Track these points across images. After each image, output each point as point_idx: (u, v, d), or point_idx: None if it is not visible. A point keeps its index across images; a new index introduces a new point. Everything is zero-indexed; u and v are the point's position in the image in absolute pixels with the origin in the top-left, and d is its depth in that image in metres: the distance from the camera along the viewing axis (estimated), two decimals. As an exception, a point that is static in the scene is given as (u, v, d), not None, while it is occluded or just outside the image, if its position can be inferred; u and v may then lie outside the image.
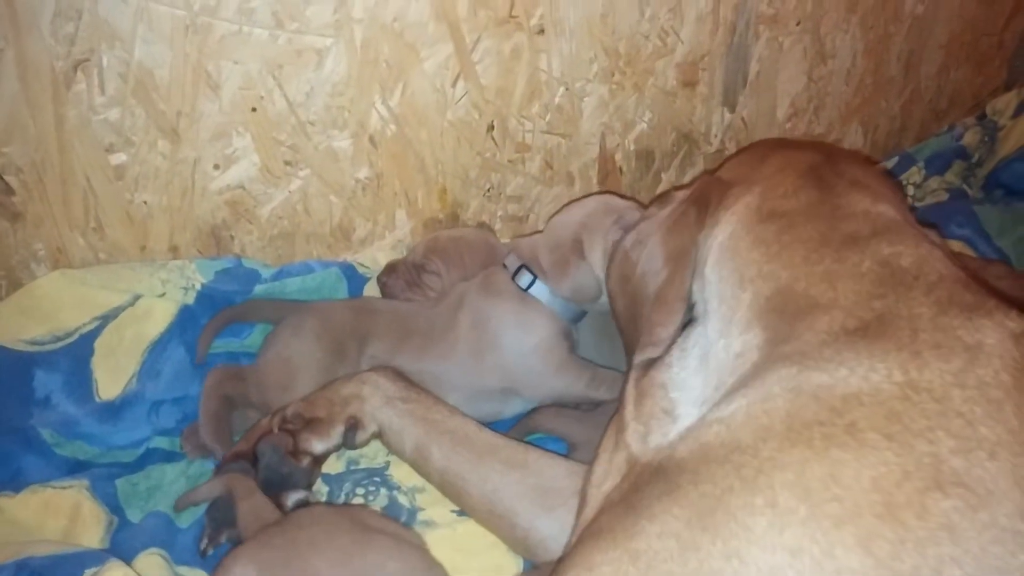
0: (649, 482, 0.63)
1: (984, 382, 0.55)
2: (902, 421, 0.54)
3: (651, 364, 0.77)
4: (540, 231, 1.19)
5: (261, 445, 0.94)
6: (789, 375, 0.60)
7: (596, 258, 1.09)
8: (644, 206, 1.07)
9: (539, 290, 1.12)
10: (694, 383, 0.71)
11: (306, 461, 0.95)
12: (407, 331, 1.12)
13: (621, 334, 0.94)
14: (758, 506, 0.53)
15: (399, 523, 0.92)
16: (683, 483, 0.59)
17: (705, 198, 0.83)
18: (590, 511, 0.72)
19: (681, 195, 0.89)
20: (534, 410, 1.11)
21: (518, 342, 1.09)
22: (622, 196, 1.19)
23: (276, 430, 0.96)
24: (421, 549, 0.86)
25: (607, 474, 0.74)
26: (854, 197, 0.76)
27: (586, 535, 0.65)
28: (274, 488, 0.92)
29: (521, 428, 1.09)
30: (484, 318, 1.10)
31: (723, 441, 0.59)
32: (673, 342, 0.77)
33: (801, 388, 0.58)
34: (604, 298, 1.03)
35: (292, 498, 0.92)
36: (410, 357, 1.10)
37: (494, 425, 1.02)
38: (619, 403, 0.79)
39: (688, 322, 0.78)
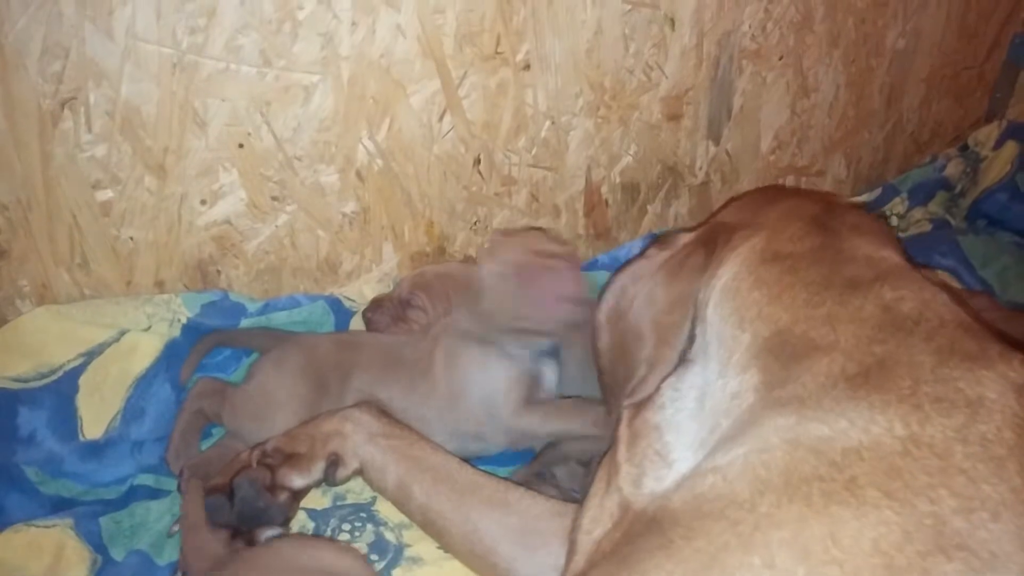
0: (641, 534, 0.61)
1: (987, 439, 0.53)
2: (903, 478, 0.52)
3: (643, 404, 0.76)
4: None
5: (238, 479, 0.93)
6: (787, 425, 0.58)
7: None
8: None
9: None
10: (689, 426, 0.69)
11: (284, 496, 0.94)
12: (392, 363, 1.12)
13: (599, 373, 0.93)
14: (755, 566, 0.52)
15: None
16: (676, 537, 0.57)
17: (713, 241, 0.83)
18: (580, 559, 0.70)
19: (684, 239, 0.88)
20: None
21: (480, 386, 1.08)
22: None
23: (255, 464, 0.95)
24: None
25: (597, 520, 0.72)
26: (857, 242, 0.75)
27: None
28: (249, 523, 0.92)
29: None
30: (453, 363, 1.09)
31: (719, 493, 0.57)
32: (663, 382, 0.75)
33: (800, 440, 0.57)
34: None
35: (266, 534, 0.91)
36: (396, 392, 1.09)
37: (481, 462, 1.02)
38: (611, 444, 0.78)
39: (681, 363, 0.77)
